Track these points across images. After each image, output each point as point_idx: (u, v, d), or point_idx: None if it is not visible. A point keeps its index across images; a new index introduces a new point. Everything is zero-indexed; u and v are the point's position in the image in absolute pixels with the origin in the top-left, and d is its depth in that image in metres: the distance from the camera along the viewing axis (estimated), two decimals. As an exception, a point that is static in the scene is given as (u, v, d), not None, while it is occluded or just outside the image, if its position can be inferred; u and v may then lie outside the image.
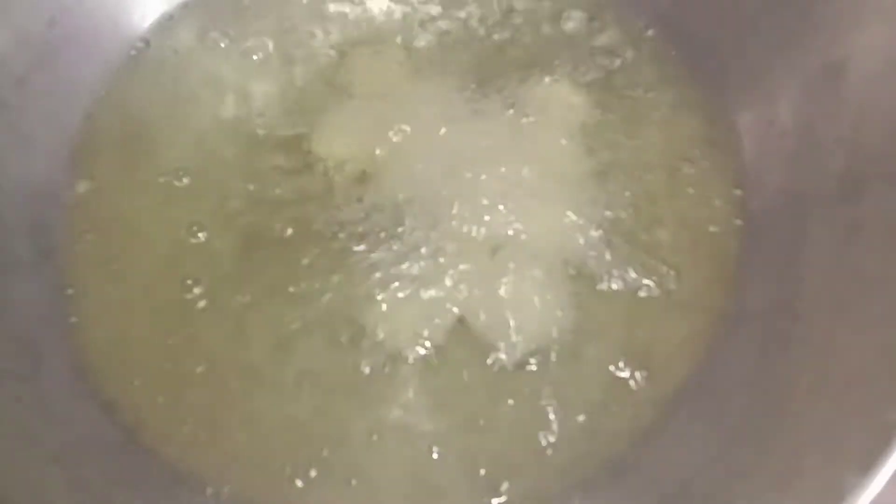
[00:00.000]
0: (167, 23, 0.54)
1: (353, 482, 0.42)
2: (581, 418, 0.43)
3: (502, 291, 0.45)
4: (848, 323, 0.40)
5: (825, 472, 0.34)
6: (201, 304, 0.45)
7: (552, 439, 0.43)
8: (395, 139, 0.49)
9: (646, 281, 0.46)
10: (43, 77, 0.49)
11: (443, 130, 0.49)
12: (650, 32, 0.54)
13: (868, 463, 0.32)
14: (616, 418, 0.43)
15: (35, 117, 0.48)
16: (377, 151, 0.49)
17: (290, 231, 0.47)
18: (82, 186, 0.49)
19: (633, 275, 0.46)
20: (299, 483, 0.42)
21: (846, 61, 0.45)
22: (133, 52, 0.53)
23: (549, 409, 0.43)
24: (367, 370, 0.44)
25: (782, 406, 0.39)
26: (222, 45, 0.54)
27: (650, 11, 0.54)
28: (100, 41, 0.52)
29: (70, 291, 0.46)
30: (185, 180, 0.49)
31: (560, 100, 0.51)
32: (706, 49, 0.52)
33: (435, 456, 0.43)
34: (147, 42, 0.54)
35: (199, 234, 0.47)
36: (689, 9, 0.53)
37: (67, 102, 0.50)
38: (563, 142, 0.49)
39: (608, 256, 0.46)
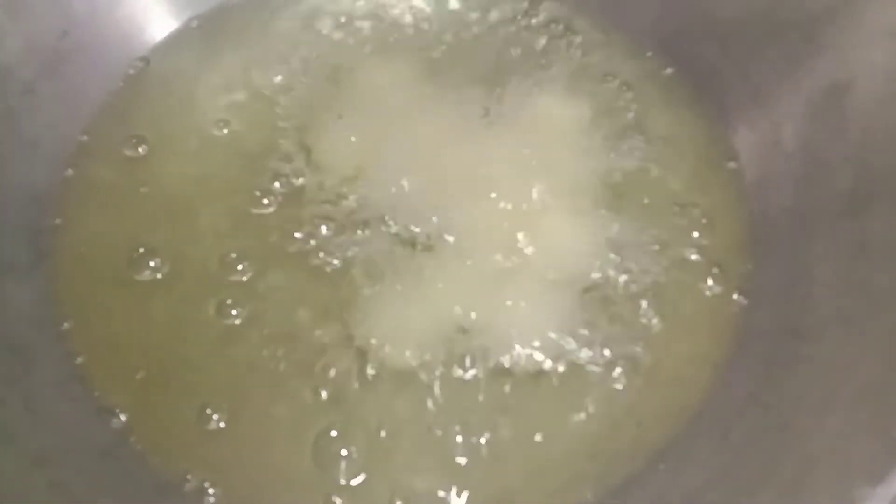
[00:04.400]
0: (174, 40, 0.56)
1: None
2: (585, 437, 0.42)
3: (505, 307, 0.44)
4: (855, 339, 0.39)
5: (833, 487, 0.33)
6: (197, 313, 0.45)
7: (555, 458, 0.41)
8: (397, 152, 0.49)
9: (653, 300, 0.45)
10: (50, 86, 0.49)
11: (447, 144, 0.49)
12: (651, 54, 0.54)
13: (877, 476, 0.31)
14: (621, 436, 0.42)
15: (39, 124, 0.49)
16: (378, 164, 0.48)
17: (287, 240, 0.47)
18: (81, 193, 0.49)
19: (639, 291, 0.45)
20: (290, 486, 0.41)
21: (851, 81, 0.45)
22: (138, 67, 0.54)
23: (552, 426, 0.42)
24: (363, 378, 0.43)
25: (790, 422, 0.38)
26: (225, 62, 0.54)
27: (653, 34, 0.54)
28: (107, 55, 0.53)
29: (63, 295, 0.45)
30: (183, 191, 0.49)
31: (564, 118, 0.51)
32: (709, 71, 0.52)
33: (428, 475, 0.41)
34: (153, 58, 0.54)
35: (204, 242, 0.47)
36: (692, 32, 0.53)
37: (71, 112, 0.50)
38: (566, 160, 0.49)
39: (615, 274, 0.46)
